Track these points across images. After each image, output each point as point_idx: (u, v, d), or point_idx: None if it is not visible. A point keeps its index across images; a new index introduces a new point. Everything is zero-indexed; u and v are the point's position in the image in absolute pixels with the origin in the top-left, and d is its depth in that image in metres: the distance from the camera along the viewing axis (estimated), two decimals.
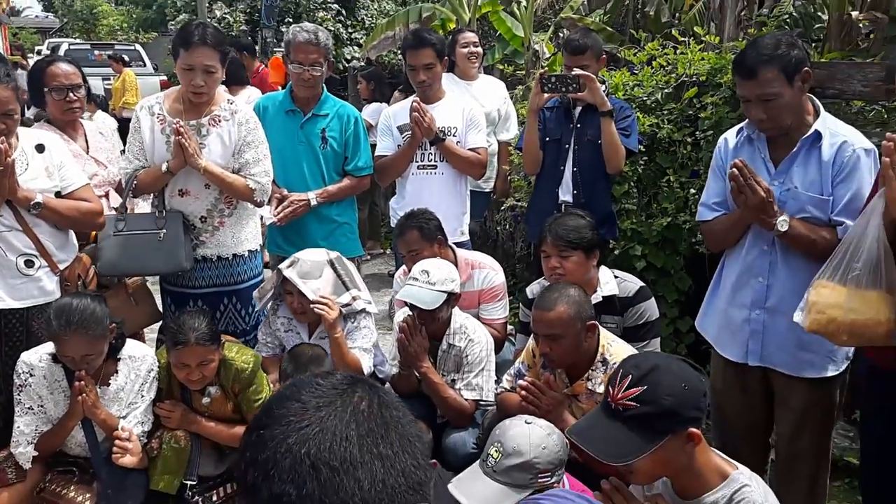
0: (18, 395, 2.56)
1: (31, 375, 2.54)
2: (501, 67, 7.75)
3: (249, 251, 3.21)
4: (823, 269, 1.97)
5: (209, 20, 12.48)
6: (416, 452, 0.84)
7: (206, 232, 3.11)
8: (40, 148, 2.72)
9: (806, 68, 2.20)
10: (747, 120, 2.37)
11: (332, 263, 2.91)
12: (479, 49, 4.59)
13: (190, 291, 3.15)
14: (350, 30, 13.98)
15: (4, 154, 2.47)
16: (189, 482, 2.67)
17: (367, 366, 2.90)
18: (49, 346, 2.56)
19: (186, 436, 2.69)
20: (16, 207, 2.62)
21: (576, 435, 1.73)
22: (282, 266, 2.88)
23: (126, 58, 12.68)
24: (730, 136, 2.47)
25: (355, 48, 13.48)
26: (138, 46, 17.28)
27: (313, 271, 2.83)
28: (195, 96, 2.98)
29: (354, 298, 2.88)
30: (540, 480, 1.97)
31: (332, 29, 12.65)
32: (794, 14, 5.57)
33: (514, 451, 1.99)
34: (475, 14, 6.90)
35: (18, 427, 2.55)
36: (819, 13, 5.28)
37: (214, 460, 2.77)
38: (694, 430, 1.64)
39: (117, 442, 2.49)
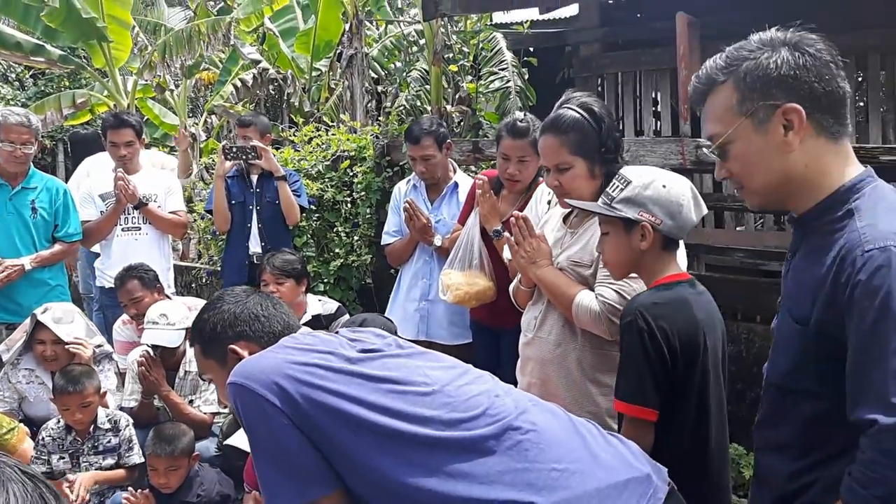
0: None
1: None
2: (157, 149, 8.19)
3: None
4: (449, 261, 3.13)
5: None
6: (291, 314, 1.68)
7: None
8: None
9: (449, 140, 3.50)
10: (413, 173, 3.56)
11: (78, 312, 3.26)
12: None
13: None
14: None
15: None
16: None
17: (112, 405, 3.29)
18: None
19: None
20: None
21: None
22: (36, 311, 3.15)
23: None
24: (402, 185, 3.67)
25: None
26: None
27: (65, 317, 3.16)
28: None
29: (102, 343, 3.27)
30: None
31: None
32: (408, 106, 7.22)
33: None
34: (132, 100, 7.31)
35: None
36: (425, 106, 6.92)
37: None
38: None
39: None
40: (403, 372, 1.49)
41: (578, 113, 2.15)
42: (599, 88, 5.92)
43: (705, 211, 1.95)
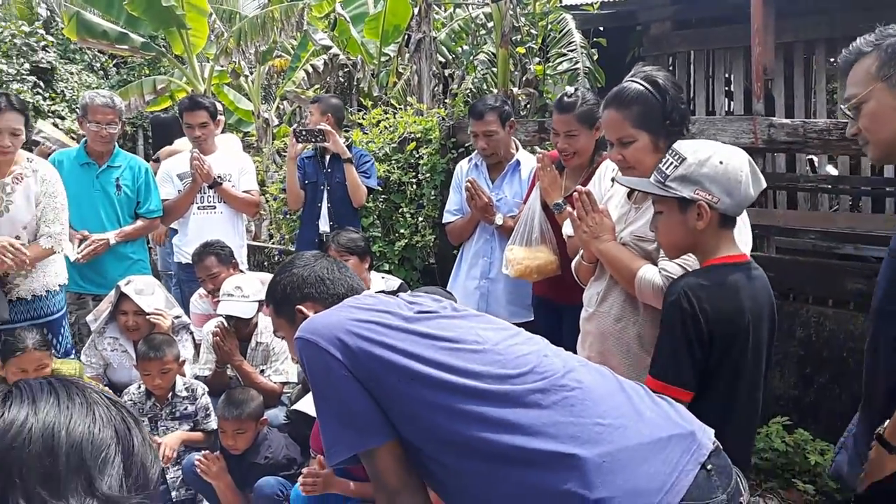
0: None
1: None
2: (233, 133, 8.46)
3: (60, 285, 3.55)
4: (512, 238, 3.15)
5: None
6: (355, 277, 1.76)
7: (19, 276, 3.37)
8: None
9: (513, 119, 3.50)
10: (475, 152, 3.60)
11: (159, 285, 3.45)
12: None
13: (2, 328, 3.37)
14: (49, 102, 13.46)
15: None
16: None
17: (190, 373, 3.46)
18: None
19: None
20: None
21: None
22: (120, 283, 3.34)
23: None
24: (463, 164, 3.70)
25: (58, 120, 13.00)
26: None
27: (147, 289, 3.36)
28: (1, 156, 3.25)
29: (180, 315, 3.44)
30: None
31: (32, 101, 12.15)
32: (474, 90, 7.22)
33: None
34: (209, 85, 7.57)
35: None
36: (492, 89, 6.91)
37: None
38: None
39: None
40: (457, 332, 1.55)
41: (642, 85, 2.13)
42: (670, 68, 5.81)
43: (763, 185, 1.90)
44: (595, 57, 6.97)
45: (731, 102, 5.90)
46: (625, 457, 1.38)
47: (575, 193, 2.24)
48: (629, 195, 2.32)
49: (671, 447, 1.42)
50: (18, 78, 13.53)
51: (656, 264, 2.09)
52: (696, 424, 1.51)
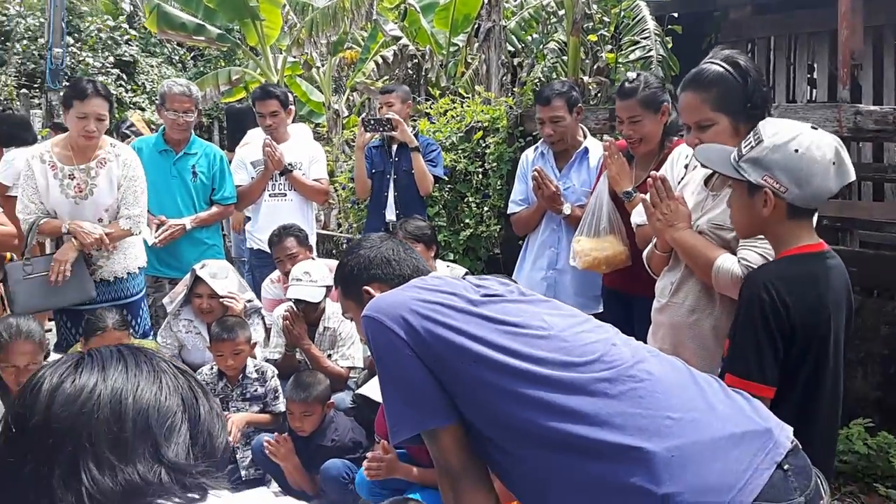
0: None
1: None
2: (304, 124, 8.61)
3: (139, 268, 3.68)
4: (579, 229, 3.09)
5: None
6: (421, 259, 1.78)
7: (102, 258, 3.52)
8: None
9: (580, 105, 3.43)
10: (541, 140, 3.53)
11: (232, 270, 3.55)
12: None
13: (85, 308, 3.52)
14: (131, 93, 14.03)
15: None
16: None
17: (260, 356, 3.55)
18: None
19: None
20: None
21: None
22: (195, 266, 3.46)
23: None
24: (529, 153, 3.63)
25: (138, 111, 13.51)
26: None
27: (221, 273, 3.46)
28: (87, 140, 3.39)
29: (252, 299, 3.53)
30: None
31: (115, 93, 12.68)
32: (542, 79, 7.13)
33: None
34: (282, 76, 7.72)
35: None
36: (562, 77, 6.80)
37: None
38: None
39: None
40: (523, 317, 1.52)
41: (722, 67, 2.05)
42: (749, 54, 5.59)
43: (851, 177, 1.76)
44: (669, 45, 6.78)
45: (814, 90, 5.65)
46: (695, 452, 1.33)
47: (649, 179, 2.17)
48: (706, 182, 2.24)
49: (745, 444, 1.36)
50: (103, 71, 14.14)
51: (734, 254, 2.01)
52: (773, 421, 1.44)
